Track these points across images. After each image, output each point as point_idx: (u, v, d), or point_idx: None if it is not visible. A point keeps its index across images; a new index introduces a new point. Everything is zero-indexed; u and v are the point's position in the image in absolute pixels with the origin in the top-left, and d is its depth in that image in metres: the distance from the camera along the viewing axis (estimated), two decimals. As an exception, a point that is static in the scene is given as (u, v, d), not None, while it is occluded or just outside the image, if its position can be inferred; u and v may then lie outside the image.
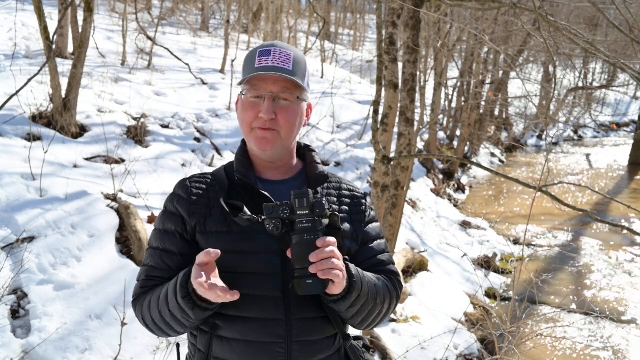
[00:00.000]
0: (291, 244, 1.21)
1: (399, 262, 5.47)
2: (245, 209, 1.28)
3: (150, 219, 4.48)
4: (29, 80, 4.73)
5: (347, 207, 1.44)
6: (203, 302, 1.22)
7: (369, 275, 1.36)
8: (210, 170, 1.51)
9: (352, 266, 1.29)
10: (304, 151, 1.51)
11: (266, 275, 1.29)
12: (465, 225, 8.35)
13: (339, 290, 1.23)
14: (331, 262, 1.18)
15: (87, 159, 5.14)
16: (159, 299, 1.29)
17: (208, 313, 1.26)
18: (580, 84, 18.45)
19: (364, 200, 1.48)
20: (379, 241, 1.47)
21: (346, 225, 1.41)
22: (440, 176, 10.70)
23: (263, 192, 1.35)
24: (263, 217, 1.22)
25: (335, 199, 1.44)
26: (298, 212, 1.20)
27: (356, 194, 1.48)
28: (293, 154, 1.46)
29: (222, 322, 1.32)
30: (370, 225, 1.47)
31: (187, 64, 9.18)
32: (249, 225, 1.30)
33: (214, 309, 1.26)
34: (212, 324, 1.33)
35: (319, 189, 1.44)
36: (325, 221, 1.27)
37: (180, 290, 1.22)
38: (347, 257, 1.33)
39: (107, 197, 4.48)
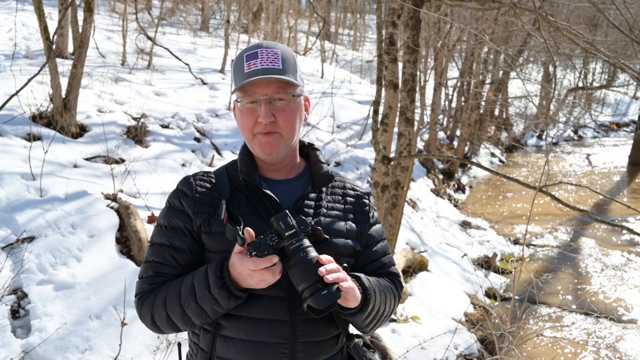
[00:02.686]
0: (289, 272, 1.21)
1: (399, 262, 5.47)
2: (242, 226, 1.26)
3: (150, 219, 4.48)
4: (29, 80, 4.73)
5: (351, 207, 1.44)
6: (239, 292, 1.24)
7: (377, 282, 1.38)
8: (210, 170, 1.51)
9: (363, 278, 1.31)
10: (308, 150, 1.50)
11: None
12: (465, 225, 8.35)
13: (356, 303, 1.25)
14: (339, 269, 1.21)
15: (87, 159, 5.13)
16: (179, 294, 1.28)
17: (239, 302, 1.27)
18: (580, 84, 18.44)
19: (367, 201, 1.48)
20: (381, 244, 1.48)
21: (351, 225, 1.41)
22: (440, 176, 10.70)
23: (267, 191, 1.35)
24: (253, 253, 1.19)
25: (340, 198, 1.45)
26: (286, 234, 1.20)
27: (360, 193, 1.49)
28: (296, 152, 1.46)
29: (226, 321, 1.32)
30: (373, 228, 1.47)
31: (187, 64, 9.18)
32: (253, 225, 1.31)
33: (245, 298, 1.27)
34: (215, 323, 1.33)
35: (324, 189, 1.44)
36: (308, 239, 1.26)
37: (215, 281, 1.23)
38: (349, 260, 1.35)
39: (107, 197, 4.48)
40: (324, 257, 1.21)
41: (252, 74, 1.30)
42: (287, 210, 1.23)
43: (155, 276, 1.35)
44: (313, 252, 1.20)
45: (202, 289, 1.25)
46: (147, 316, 1.35)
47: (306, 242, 1.21)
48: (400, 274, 1.56)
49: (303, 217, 1.23)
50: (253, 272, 1.18)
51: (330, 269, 1.19)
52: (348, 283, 1.22)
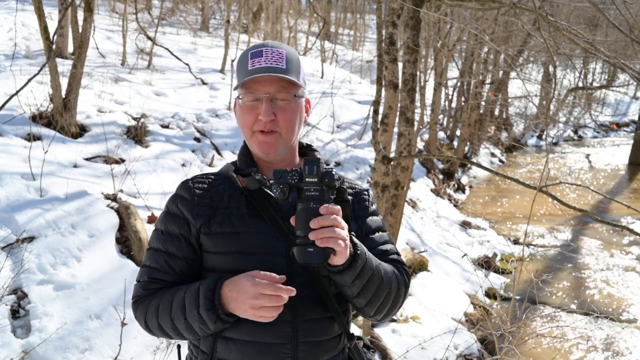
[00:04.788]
0: (296, 211, 1.20)
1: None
2: (255, 172, 1.33)
3: (150, 219, 4.48)
4: (29, 80, 4.73)
5: (350, 206, 1.43)
6: (226, 316, 1.24)
7: (376, 259, 1.34)
8: (210, 170, 1.52)
9: (355, 238, 1.27)
10: (306, 151, 1.50)
11: None
12: (465, 225, 8.35)
13: (342, 261, 1.20)
14: (333, 230, 1.15)
15: (87, 159, 5.14)
16: (171, 307, 1.29)
17: (227, 325, 1.27)
18: (580, 84, 18.44)
19: (366, 196, 1.47)
20: (380, 233, 1.46)
21: (352, 223, 1.40)
22: (440, 176, 10.70)
23: (267, 191, 1.35)
24: (271, 181, 1.23)
25: None
26: (307, 179, 1.19)
27: (359, 191, 1.48)
28: (295, 153, 1.46)
29: None
30: (370, 218, 1.45)
31: (187, 64, 9.18)
32: (254, 226, 1.31)
33: (232, 323, 1.27)
34: None
35: None
36: (333, 194, 1.24)
37: (204, 302, 1.23)
38: (352, 232, 1.31)
39: (107, 197, 4.48)
40: (324, 208, 1.16)
41: (256, 72, 1.30)
42: (319, 159, 1.21)
43: (150, 282, 1.37)
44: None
45: (191, 307, 1.26)
46: (142, 321, 1.37)
47: (325, 194, 1.20)
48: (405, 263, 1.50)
49: (334, 172, 1.20)
50: (260, 295, 1.18)
51: (325, 223, 1.15)
52: (337, 240, 1.15)
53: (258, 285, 1.19)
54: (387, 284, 1.33)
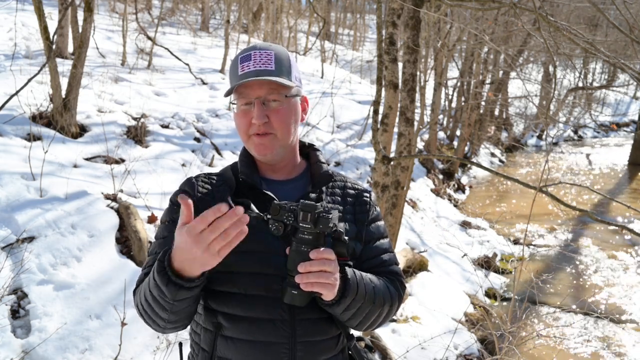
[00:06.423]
0: (290, 248, 1.22)
1: (399, 262, 5.47)
2: (252, 206, 1.27)
3: (150, 219, 4.48)
4: (29, 80, 4.73)
5: (351, 207, 1.43)
6: (177, 278, 1.14)
7: (368, 277, 1.34)
8: (210, 170, 1.51)
9: (348, 272, 1.28)
10: (308, 150, 1.50)
11: (270, 276, 1.29)
12: (465, 225, 8.35)
13: (330, 298, 1.23)
14: (320, 276, 1.17)
15: (87, 159, 5.13)
16: (148, 282, 1.23)
17: (184, 293, 1.16)
18: (580, 84, 18.45)
19: (367, 199, 1.47)
20: (381, 240, 1.46)
21: (350, 225, 1.40)
22: (440, 176, 10.70)
23: (267, 192, 1.35)
24: (268, 216, 1.23)
25: (340, 198, 1.44)
26: (301, 225, 1.20)
27: (360, 192, 1.47)
28: (295, 153, 1.46)
29: (226, 321, 1.32)
30: (373, 224, 1.45)
31: (187, 64, 9.18)
32: (252, 225, 1.31)
33: (191, 289, 1.16)
34: (216, 323, 1.33)
35: (324, 189, 1.43)
36: (329, 236, 1.25)
37: (157, 265, 1.16)
38: (350, 262, 1.33)
39: (107, 197, 4.48)
40: (315, 253, 1.17)
41: (245, 76, 1.30)
42: (319, 205, 1.20)
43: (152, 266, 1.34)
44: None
45: (151, 275, 1.20)
46: (136, 308, 1.33)
47: (319, 239, 1.20)
48: (402, 273, 1.51)
49: (329, 217, 1.19)
50: (198, 235, 1.06)
51: (312, 269, 1.16)
52: (323, 284, 1.17)
53: (190, 228, 1.07)
54: (379, 305, 1.34)
